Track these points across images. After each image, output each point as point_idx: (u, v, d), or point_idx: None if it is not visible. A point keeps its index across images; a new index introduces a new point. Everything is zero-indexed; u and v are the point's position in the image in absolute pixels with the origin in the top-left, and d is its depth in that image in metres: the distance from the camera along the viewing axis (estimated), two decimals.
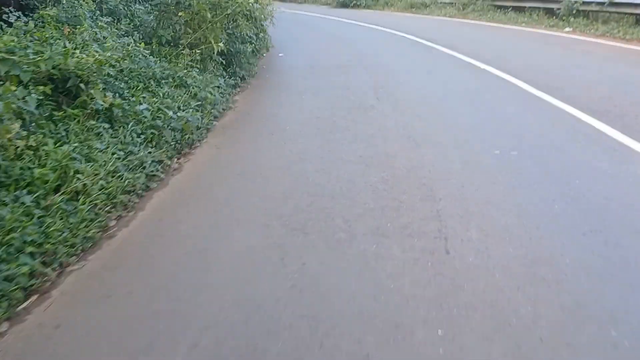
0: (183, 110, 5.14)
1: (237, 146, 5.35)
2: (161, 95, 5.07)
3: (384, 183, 4.21)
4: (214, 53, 6.80)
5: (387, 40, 13.90)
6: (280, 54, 11.54)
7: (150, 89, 5.12)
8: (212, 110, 5.94)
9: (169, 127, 4.60)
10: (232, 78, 7.51)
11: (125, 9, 6.87)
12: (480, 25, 16.87)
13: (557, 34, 13.85)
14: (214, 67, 7.01)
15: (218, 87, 6.83)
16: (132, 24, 6.69)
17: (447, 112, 6.52)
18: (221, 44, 6.41)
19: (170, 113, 4.68)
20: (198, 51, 6.41)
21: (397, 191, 4.05)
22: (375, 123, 5.98)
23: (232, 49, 7.43)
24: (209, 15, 6.44)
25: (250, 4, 7.15)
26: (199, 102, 5.61)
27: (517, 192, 4.00)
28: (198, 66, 6.44)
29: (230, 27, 7.34)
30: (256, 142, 5.42)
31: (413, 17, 20.89)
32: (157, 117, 4.61)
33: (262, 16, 8.89)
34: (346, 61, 10.32)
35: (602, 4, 14.04)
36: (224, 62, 7.45)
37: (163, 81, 5.42)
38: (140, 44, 5.78)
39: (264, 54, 11.39)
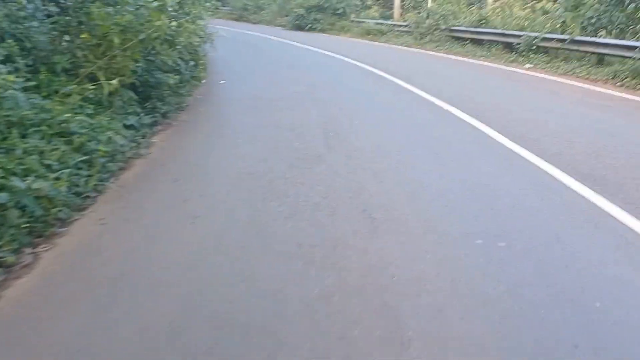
0: (57, 171, 3.66)
1: (130, 222, 3.87)
2: (21, 152, 3.55)
3: (327, 301, 2.84)
4: (124, 84, 5.35)
5: (341, 69, 12.72)
6: (221, 81, 10.15)
7: (8, 142, 3.60)
8: (110, 164, 4.47)
9: (17, 205, 3.10)
10: (151, 115, 6.07)
11: (12, 27, 5.32)
12: (439, 57, 16.00)
13: (518, 70, 13.05)
14: (124, 103, 5.53)
15: (129, 127, 5.38)
16: (19, 46, 5.15)
17: (410, 170, 5.27)
18: (114, 82, 4.93)
19: (19, 183, 3.16)
20: (92, 87, 4.91)
21: (346, 319, 2.69)
22: (322, 184, 4.64)
23: (150, 80, 5.99)
24: (116, 41, 5.00)
25: (172, 28, 5.77)
26: (86, 157, 4.13)
27: (518, 328, 2.71)
28: (94, 104, 4.93)
29: (150, 54, 5.92)
30: (158, 217, 3.96)
31: (369, 44, 19.94)
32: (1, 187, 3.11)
33: (195, 41, 7.50)
34: (295, 93, 9.03)
35: (564, 40, 13.36)
36: (139, 97, 6.00)
37: (33, 129, 3.92)
38: (13, 74, 4.28)
39: (203, 81, 9.98)
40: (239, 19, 31.63)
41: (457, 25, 18.68)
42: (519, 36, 15.17)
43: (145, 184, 4.63)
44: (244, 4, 31.98)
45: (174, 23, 5.94)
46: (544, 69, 12.94)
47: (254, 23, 29.74)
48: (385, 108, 8.22)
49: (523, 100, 9.27)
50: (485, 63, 14.52)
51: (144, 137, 5.57)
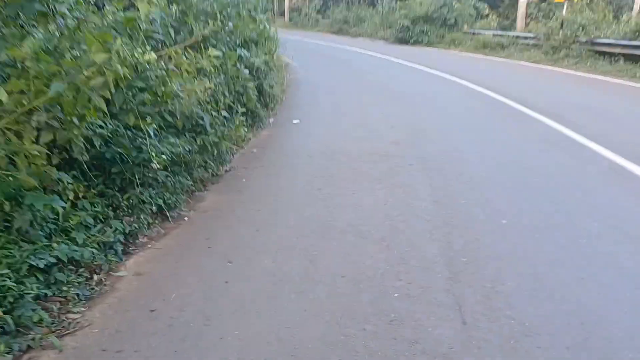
0: None
1: None
2: None
3: None
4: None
5: (456, 98, 9.41)
6: (295, 120, 7.35)
7: None
8: None
9: None
10: (139, 214, 3.37)
11: None
12: (584, 80, 12.11)
13: None
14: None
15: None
16: None
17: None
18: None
19: None
20: None
21: None
22: None
23: (125, 157, 3.24)
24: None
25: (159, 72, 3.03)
26: None
27: None
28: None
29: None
30: None
31: (488, 61, 16.31)
32: None
33: (245, 76, 4.76)
34: (393, 144, 6.01)
35: None
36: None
37: None
38: None
39: (270, 120, 7.27)
40: (339, 32, 29.07)
41: (601, 38, 14.57)
42: None
43: None
44: (345, 16, 29.33)
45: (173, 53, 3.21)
46: None
47: (354, 37, 26.98)
48: (538, 179, 4.94)
49: None
50: None
51: (112, 262, 2.86)
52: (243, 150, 5.76)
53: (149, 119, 3.21)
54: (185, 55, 3.69)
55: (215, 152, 4.27)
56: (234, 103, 5.03)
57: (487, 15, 21.99)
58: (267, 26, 7.80)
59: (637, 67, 12.49)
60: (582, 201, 4.32)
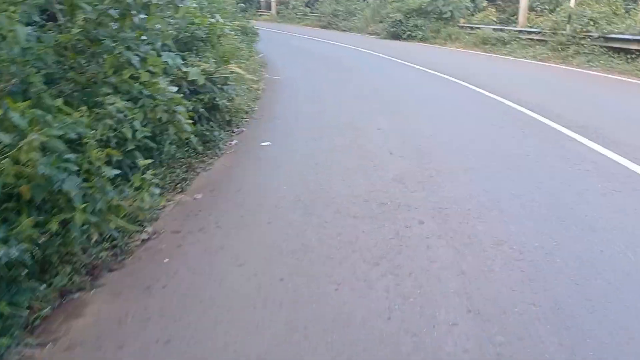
0: None
1: None
2: None
3: None
4: None
5: (463, 107, 7.68)
6: (264, 142, 5.59)
7: None
8: None
9: None
10: None
11: None
12: (604, 80, 10.44)
13: None
14: None
15: None
16: None
17: None
18: None
19: None
20: None
21: None
22: None
23: None
24: None
25: None
26: None
27: None
28: None
29: None
30: None
31: (490, 58, 14.58)
32: None
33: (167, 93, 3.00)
34: (396, 183, 4.29)
35: None
36: None
37: None
38: None
39: (233, 142, 5.51)
40: (328, 26, 27.18)
41: (615, 33, 12.87)
42: None
43: None
44: (334, 10, 27.39)
45: None
46: None
47: (343, 31, 25.12)
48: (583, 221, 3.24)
49: None
50: None
51: None
52: (183, 197, 4.00)
53: None
54: None
55: (97, 235, 2.49)
56: (153, 139, 3.27)
57: (485, 9, 20.22)
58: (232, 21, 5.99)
59: None
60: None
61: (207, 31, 5.32)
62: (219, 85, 5.06)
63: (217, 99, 5.01)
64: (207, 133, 4.78)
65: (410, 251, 3.11)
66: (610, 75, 11.00)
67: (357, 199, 3.94)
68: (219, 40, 5.85)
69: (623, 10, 14.58)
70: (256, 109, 7.31)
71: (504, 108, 7.42)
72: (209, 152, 5.01)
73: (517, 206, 3.80)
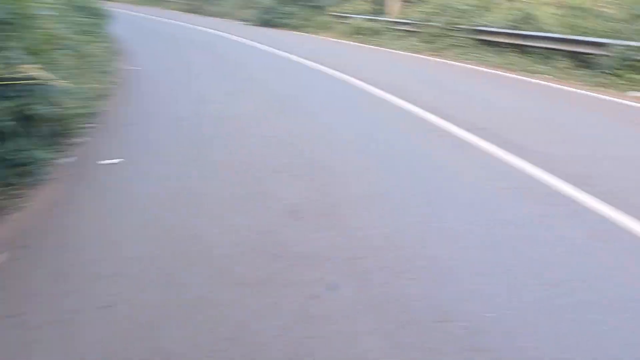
0: None
1: None
2: None
3: None
4: None
5: (337, 96, 6.75)
6: (108, 160, 4.13)
7: None
8: None
9: None
10: None
11: None
12: (483, 74, 10.20)
13: (624, 101, 7.55)
14: None
15: None
16: None
17: None
18: None
19: None
20: None
21: None
22: None
23: None
24: None
25: None
26: None
27: None
28: None
29: None
30: None
31: (363, 49, 14.03)
32: None
33: None
34: (291, 215, 3.17)
35: None
36: None
37: None
38: None
39: (67, 160, 3.97)
40: (196, 10, 25.12)
41: (485, 25, 12.98)
42: (600, 45, 9.72)
43: None
44: None
45: None
46: None
47: (211, 16, 23.32)
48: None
49: None
50: (559, 86, 8.95)
51: None
52: None
53: None
54: None
55: None
56: None
57: None
58: None
59: (527, 61, 10.93)
60: None
61: (9, 10, 3.68)
62: (35, 86, 3.51)
63: (33, 105, 3.48)
64: (18, 155, 3.26)
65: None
66: (482, 69, 10.83)
67: (240, 248, 2.76)
68: (32, 24, 4.17)
69: (493, 4, 14.81)
70: (106, 109, 5.75)
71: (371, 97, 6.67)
72: (26, 180, 3.48)
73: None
